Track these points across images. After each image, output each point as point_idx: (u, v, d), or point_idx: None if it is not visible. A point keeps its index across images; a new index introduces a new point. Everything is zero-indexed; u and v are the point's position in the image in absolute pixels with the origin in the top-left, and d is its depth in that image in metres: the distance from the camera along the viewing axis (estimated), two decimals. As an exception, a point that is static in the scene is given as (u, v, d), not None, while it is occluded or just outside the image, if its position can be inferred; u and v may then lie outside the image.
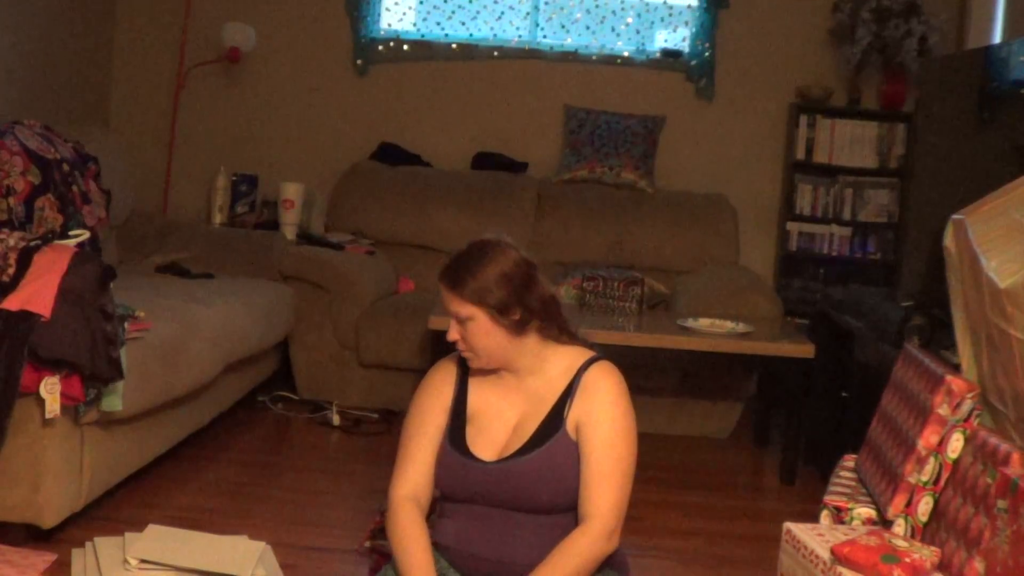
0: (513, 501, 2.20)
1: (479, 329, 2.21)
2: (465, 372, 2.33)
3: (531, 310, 2.23)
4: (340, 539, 3.23)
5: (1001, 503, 2.06)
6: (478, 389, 2.31)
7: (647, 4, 5.57)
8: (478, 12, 5.59)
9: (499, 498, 2.20)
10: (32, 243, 2.96)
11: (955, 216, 2.60)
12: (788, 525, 2.44)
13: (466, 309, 2.20)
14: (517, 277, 2.21)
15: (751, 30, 5.54)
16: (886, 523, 2.48)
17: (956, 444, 2.37)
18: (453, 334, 2.25)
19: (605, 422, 2.20)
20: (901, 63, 5.24)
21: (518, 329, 2.22)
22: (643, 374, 4.45)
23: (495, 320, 2.20)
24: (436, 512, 2.36)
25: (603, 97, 5.54)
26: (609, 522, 2.15)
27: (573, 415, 2.22)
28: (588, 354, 2.29)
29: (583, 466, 2.18)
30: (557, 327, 2.29)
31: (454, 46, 5.58)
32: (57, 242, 3.04)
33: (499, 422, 2.26)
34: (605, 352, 2.34)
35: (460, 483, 2.23)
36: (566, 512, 2.22)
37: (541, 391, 2.27)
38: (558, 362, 2.28)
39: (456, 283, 2.21)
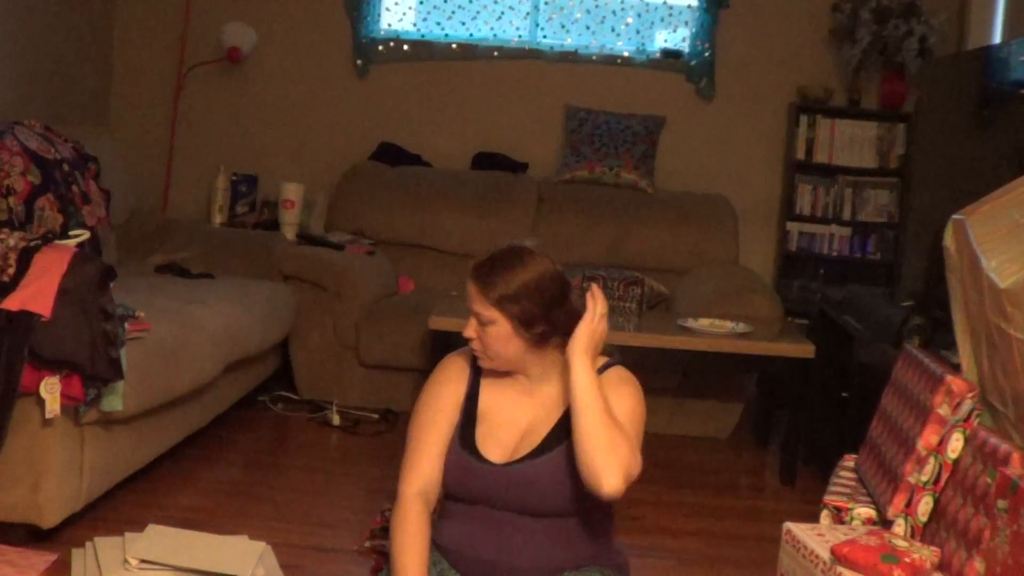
0: (520, 504, 2.18)
1: (499, 335, 2.17)
2: (477, 370, 2.30)
3: (556, 326, 2.18)
4: (340, 539, 3.23)
5: (1001, 503, 2.06)
6: (490, 389, 2.28)
7: (647, 4, 5.57)
8: (478, 12, 5.59)
9: (506, 501, 2.18)
10: (32, 243, 2.96)
11: (955, 216, 2.60)
12: (788, 525, 2.44)
13: (490, 313, 2.15)
14: (548, 291, 2.17)
15: (751, 30, 5.54)
16: (886, 523, 2.48)
17: (956, 444, 2.37)
18: (470, 332, 2.20)
19: (619, 407, 2.15)
20: (901, 63, 5.25)
21: (538, 342, 2.19)
22: (643, 374, 4.43)
23: (517, 330, 2.16)
24: (438, 512, 2.35)
25: (603, 97, 5.54)
26: (632, 467, 2.07)
27: None
28: (602, 360, 2.26)
29: None
30: None
31: (454, 46, 5.58)
32: (57, 242, 3.04)
33: (509, 425, 2.24)
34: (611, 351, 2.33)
35: (467, 483, 2.21)
36: (571, 517, 2.20)
37: (554, 396, 2.24)
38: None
39: (486, 284, 2.15)
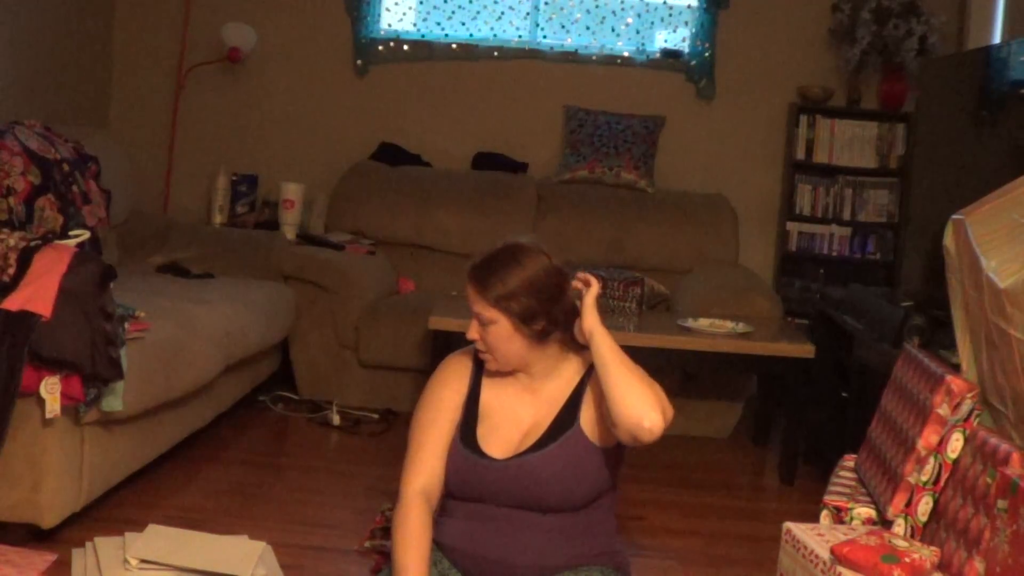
0: (523, 499, 2.18)
1: (500, 334, 2.19)
2: (479, 368, 2.31)
3: (556, 321, 2.21)
4: (340, 539, 3.23)
5: (1001, 503, 2.06)
6: (492, 387, 2.29)
7: (647, 4, 5.57)
8: (478, 12, 5.58)
9: (509, 496, 2.19)
10: (32, 243, 2.96)
11: (955, 216, 2.60)
12: (788, 525, 2.44)
13: (489, 313, 2.18)
14: (546, 287, 2.19)
15: (751, 30, 5.54)
16: (886, 523, 2.48)
17: (956, 444, 2.37)
18: (473, 333, 2.23)
19: None
20: (901, 63, 5.25)
21: (540, 338, 2.21)
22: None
23: (517, 328, 2.18)
24: (439, 511, 2.35)
25: (603, 97, 5.54)
26: (666, 404, 2.13)
27: (587, 409, 2.22)
28: None
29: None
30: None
31: (454, 46, 5.58)
32: (57, 242, 3.04)
33: (511, 423, 2.25)
34: None
35: (469, 481, 2.22)
36: (573, 512, 2.21)
37: (555, 393, 2.26)
38: (572, 363, 2.28)
39: (484, 285, 2.18)
